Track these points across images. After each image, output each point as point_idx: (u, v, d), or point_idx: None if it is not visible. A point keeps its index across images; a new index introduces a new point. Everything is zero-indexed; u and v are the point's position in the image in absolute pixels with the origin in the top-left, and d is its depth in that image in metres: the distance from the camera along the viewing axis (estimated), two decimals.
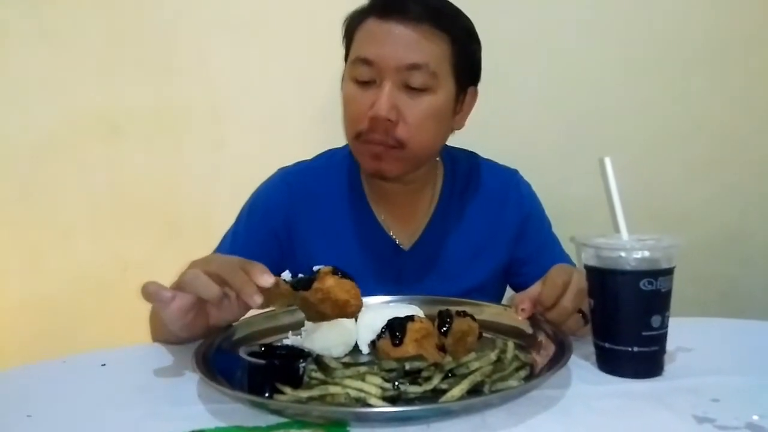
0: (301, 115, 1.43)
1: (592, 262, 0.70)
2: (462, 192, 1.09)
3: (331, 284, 0.67)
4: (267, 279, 0.65)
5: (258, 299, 0.65)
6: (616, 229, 0.71)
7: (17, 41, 1.38)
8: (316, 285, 0.67)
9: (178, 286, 0.69)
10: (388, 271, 1.03)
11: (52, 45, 1.39)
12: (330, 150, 1.15)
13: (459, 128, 1.04)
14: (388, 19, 0.92)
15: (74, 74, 1.40)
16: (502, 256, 1.08)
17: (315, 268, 0.70)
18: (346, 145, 1.13)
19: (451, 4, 0.98)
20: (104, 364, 0.75)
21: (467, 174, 1.10)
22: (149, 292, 0.68)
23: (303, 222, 1.05)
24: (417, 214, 1.07)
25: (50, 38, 1.39)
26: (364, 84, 0.93)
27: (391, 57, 0.91)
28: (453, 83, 0.97)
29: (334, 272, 0.69)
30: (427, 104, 0.93)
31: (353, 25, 0.98)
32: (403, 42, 0.91)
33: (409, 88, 0.92)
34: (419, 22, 0.91)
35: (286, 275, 0.68)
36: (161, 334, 0.82)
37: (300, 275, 0.69)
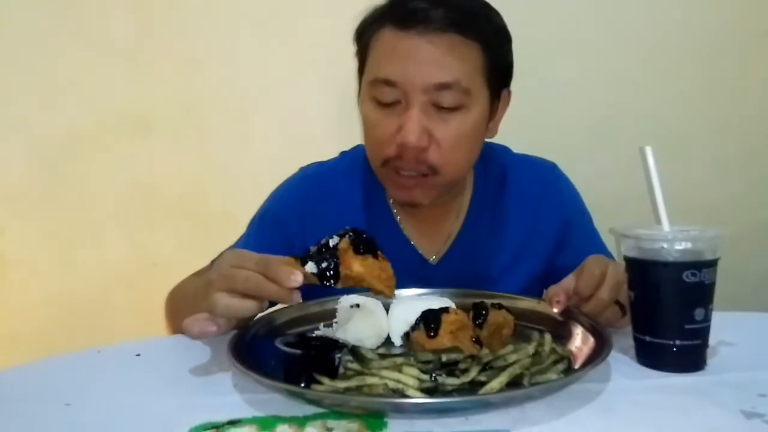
0: (326, 112, 1.43)
1: (633, 254, 0.68)
2: (495, 196, 1.00)
3: (361, 271, 0.65)
4: (295, 280, 0.63)
5: (297, 299, 0.65)
6: (657, 220, 0.69)
7: (46, 40, 1.40)
8: (344, 272, 0.65)
9: (212, 313, 0.68)
10: (413, 286, 0.93)
11: (81, 43, 1.41)
12: (354, 148, 1.07)
13: (492, 136, 0.95)
14: (409, 31, 0.81)
15: (103, 72, 1.41)
16: (540, 265, 0.99)
17: (331, 242, 0.67)
18: None
19: (477, 2, 0.88)
20: (139, 355, 0.76)
21: (500, 175, 1.01)
22: (196, 333, 0.69)
23: (320, 228, 0.94)
24: (444, 224, 0.98)
25: (79, 37, 1.41)
26: (387, 105, 0.84)
27: (416, 77, 0.80)
28: (487, 93, 0.87)
29: (354, 246, 0.66)
30: (461, 123, 0.83)
31: (368, 34, 0.87)
32: (429, 59, 0.80)
33: (440, 108, 0.82)
34: (444, 32, 0.80)
35: (311, 268, 0.66)
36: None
37: (322, 263, 0.66)
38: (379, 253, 0.68)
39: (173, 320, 0.89)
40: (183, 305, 0.90)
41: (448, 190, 0.92)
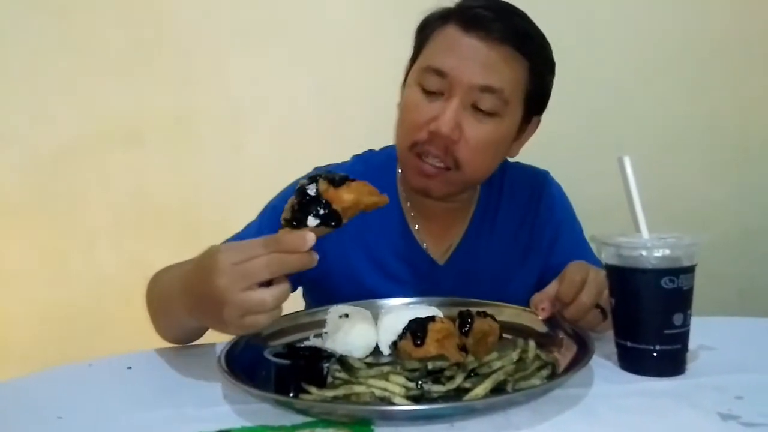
0: (318, 120, 1.45)
1: (613, 261, 0.70)
2: (496, 203, 1.05)
3: (352, 197, 0.65)
4: (310, 239, 0.63)
5: (316, 258, 0.64)
6: (636, 228, 0.71)
7: (40, 51, 1.41)
8: (339, 207, 0.64)
9: (247, 312, 0.63)
10: (422, 285, 0.98)
11: (74, 54, 1.42)
12: (367, 152, 1.10)
13: (512, 155, 0.99)
14: (471, 33, 0.87)
15: (96, 83, 1.43)
16: (537, 266, 1.04)
17: (310, 191, 0.64)
18: (383, 150, 1.09)
19: (537, 29, 0.92)
20: (130, 367, 0.77)
21: (500, 183, 1.06)
22: (252, 327, 0.65)
23: None
24: (452, 228, 1.03)
25: (72, 48, 1.42)
26: (431, 94, 0.89)
27: (466, 74, 0.86)
28: (521, 111, 0.92)
29: (331, 181, 0.65)
30: (492, 129, 0.88)
31: (431, 28, 0.93)
32: (482, 61, 0.86)
33: (476, 109, 0.87)
34: (501, 43, 0.86)
35: (312, 222, 0.64)
36: (182, 333, 0.83)
37: (318, 211, 0.64)
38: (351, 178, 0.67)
39: (153, 315, 0.88)
40: (159, 302, 0.87)
41: (462, 190, 0.96)
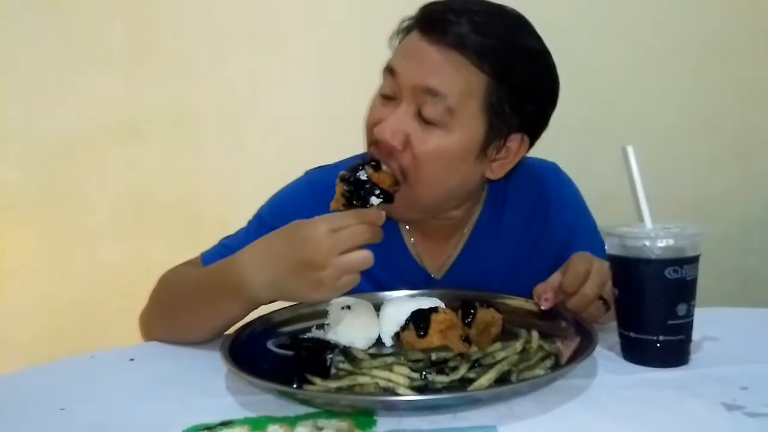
0: (318, 116, 1.45)
1: (616, 251, 0.69)
2: (501, 207, 0.99)
3: (390, 177, 0.79)
4: (381, 216, 0.73)
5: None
6: (640, 218, 0.71)
7: (39, 46, 1.41)
8: (383, 186, 0.77)
9: (346, 273, 0.71)
10: None
11: (73, 50, 1.42)
12: (361, 155, 1.04)
13: (495, 177, 0.91)
14: (425, 36, 0.84)
15: (95, 79, 1.42)
16: (543, 268, 0.93)
17: (362, 176, 0.76)
18: None
19: (516, 42, 0.85)
20: (132, 359, 0.77)
21: (505, 184, 0.98)
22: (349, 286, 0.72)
23: None
24: (450, 241, 0.99)
25: (71, 44, 1.42)
26: (387, 98, 0.86)
27: (411, 73, 0.83)
28: (482, 126, 0.85)
29: (373, 167, 0.78)
30: (438, 141, 0.83)
31: (403, 33, 0.91)
32: (430, 63, 0.82)
33: (422, 118, 0.83)
34: (457, 49, 0.82)
35: (375, 201, 0.75)
36: (216, 325, 0.81)
37: (376, 192, 0.76)
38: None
39: (171, 315, 0.88)
40: (188, 299, 0.87)
41: (422, 210, 0.90)
